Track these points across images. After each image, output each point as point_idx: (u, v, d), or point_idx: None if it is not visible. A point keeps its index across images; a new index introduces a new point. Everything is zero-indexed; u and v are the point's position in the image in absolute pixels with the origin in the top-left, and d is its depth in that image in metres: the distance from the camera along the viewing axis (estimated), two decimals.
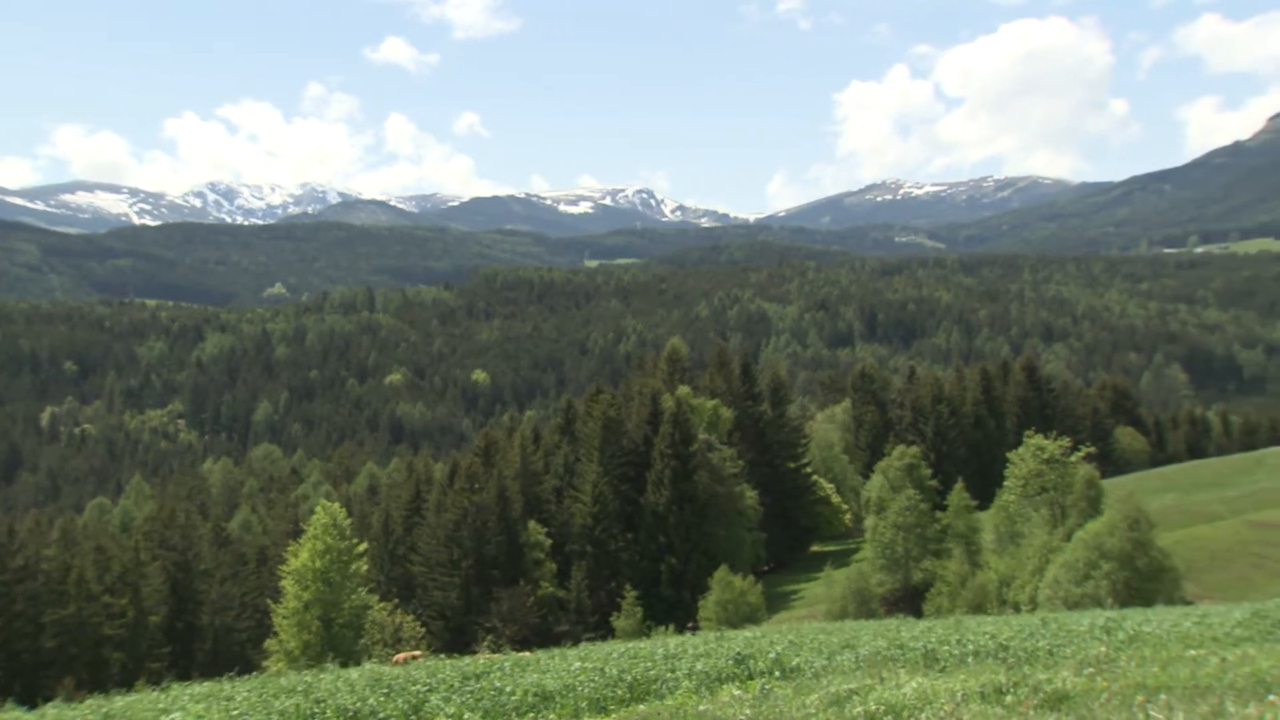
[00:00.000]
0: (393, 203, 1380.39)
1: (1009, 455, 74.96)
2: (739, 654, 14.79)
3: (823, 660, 14.61)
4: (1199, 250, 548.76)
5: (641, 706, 12.10)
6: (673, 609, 78.24)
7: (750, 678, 13.45)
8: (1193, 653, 11.88)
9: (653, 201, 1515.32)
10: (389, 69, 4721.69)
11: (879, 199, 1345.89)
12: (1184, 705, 7.81)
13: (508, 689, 13.23)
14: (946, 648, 14.64)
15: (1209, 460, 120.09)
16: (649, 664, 14.83)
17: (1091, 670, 10.78)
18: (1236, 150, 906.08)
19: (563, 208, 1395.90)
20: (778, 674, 13.69)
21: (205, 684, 18.23)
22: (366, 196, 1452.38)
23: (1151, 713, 7.59)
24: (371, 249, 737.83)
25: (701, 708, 10.99)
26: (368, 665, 19.45)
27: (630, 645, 19.38)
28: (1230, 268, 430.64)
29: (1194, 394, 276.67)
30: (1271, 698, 8.09)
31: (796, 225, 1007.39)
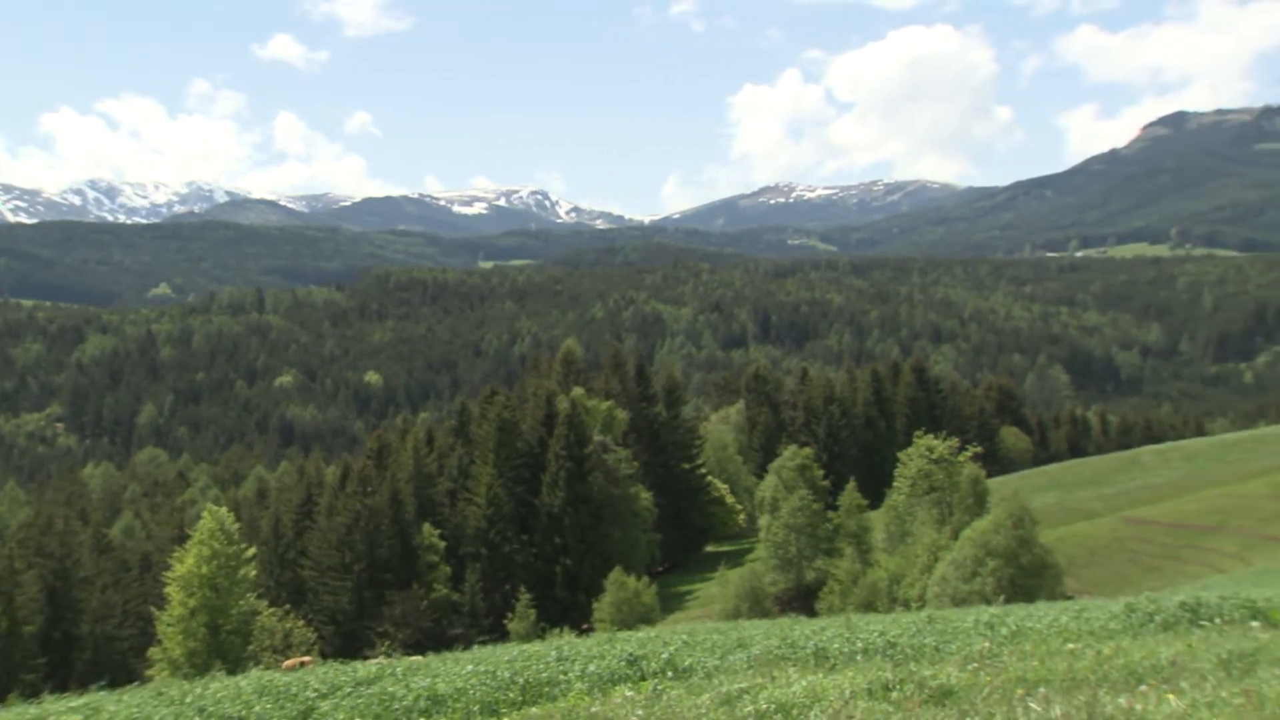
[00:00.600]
0: (283, 202, 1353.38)
1: (899, 455, 76.34)
2: (632, 655, 14.80)
3: (715, 660, 14.70)
4: (1079, 254, 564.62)
5: (533, 709, 12.06)
6: (567, 610, 78.13)
7: (643, 678, 13.47)
8: (1070, 646, 12.21)
9: (547, 203, 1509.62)
10: (277, 66, 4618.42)
11: (772, 201, 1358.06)
12: (1061, 697, 8.02)
13: (399, 694, 13.07)
14: (837, 646, 14.83)
15: (1089, 459, 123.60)
16: (542, 666, 14.76)
17: (975, 665, 11.01)
18: (1113, 158, 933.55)
19: (457, 208, 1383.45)
20: (670, 674, 13.73)
21: (82, 695, 17.70)
22: (255, 196, 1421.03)
23: (1030, 705, 7.79)
24: (261, 249, 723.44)
25: (593, 709, 10.98)
26: (256, 672, 19.07)
27: (524, 647, 19.28)
28: (1108, 271, 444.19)
29: (1075, 394, 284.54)
30: (1143, 688, 8.36)
31: (691, 227, 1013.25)
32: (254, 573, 63.87)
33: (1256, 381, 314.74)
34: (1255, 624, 12.99)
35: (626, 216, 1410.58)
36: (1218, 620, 13.75)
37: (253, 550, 64.95)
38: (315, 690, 14.36)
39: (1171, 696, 7.64)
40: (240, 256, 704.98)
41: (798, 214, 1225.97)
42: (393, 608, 73.88)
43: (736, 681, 11.68)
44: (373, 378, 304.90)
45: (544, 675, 13.98)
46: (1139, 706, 7.31)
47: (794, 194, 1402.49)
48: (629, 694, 12.00)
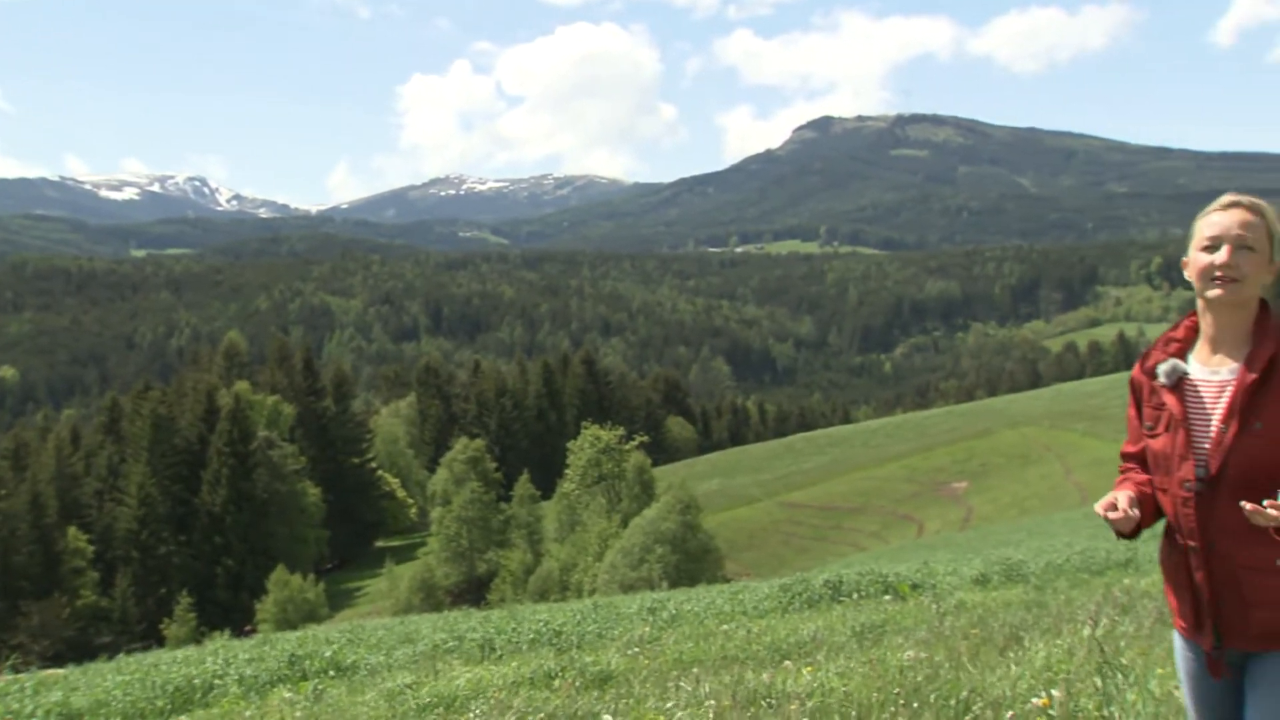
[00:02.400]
0: None
1: (569, 445, 77.71)
2: (293, 655, 14.28)
3: (380, 656, 14.44)
4: (739, 250, 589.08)
5: (184, 717, 11.45)
6: (230, 613, 74.97)
7: (304, 679, 13.05)
8: (725, 627, 12.74)
9: (206, 189, 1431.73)
10: None
11: (443, 193, 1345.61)
12: (711, 676, 8.37)
13: (26, 710, 12.00)
14: (504, 637, 14.85)
15: (748, 447, 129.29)
16: (194, 671, 13.97)
17: (636, 650, 11.29)
18: (769, 158, 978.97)
19: (104, 193, 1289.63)
20: (333, 673, 13.36)
21: None
22: None
23: (682, 685, 8.07)
24: None
25: (249, 713, 10.57)
26: None
27: (177, 653, 18.29)
28: (765, 267, 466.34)
29: (735, 385, 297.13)
30: (787, 663, 8.83)
31: (360, 218, 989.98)
32: None
33: (894, 371, 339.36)
34: (887, 597, 13.98)
35: (292, 206, 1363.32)
36: (855, 595, 14.70)
37: None
38: None
39: (808, 669, 8.11)
40: None
41: (469, 206, 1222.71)
42: (29, 618, 68.63)
43: (401, 677, 11.53)
44: (7, 372, 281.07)
45: (196, 681, 13.23)
46: (779, 680, 7.72)
47: (465, 186, 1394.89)
48: (288, 695, 11.62)
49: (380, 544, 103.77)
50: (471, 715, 8.24)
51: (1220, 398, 3.62)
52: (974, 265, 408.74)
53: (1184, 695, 3.93)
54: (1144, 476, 3.88)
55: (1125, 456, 4.02)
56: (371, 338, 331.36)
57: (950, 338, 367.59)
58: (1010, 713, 6.00)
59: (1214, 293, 3.60)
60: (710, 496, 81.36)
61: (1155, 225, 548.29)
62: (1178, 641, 3.91)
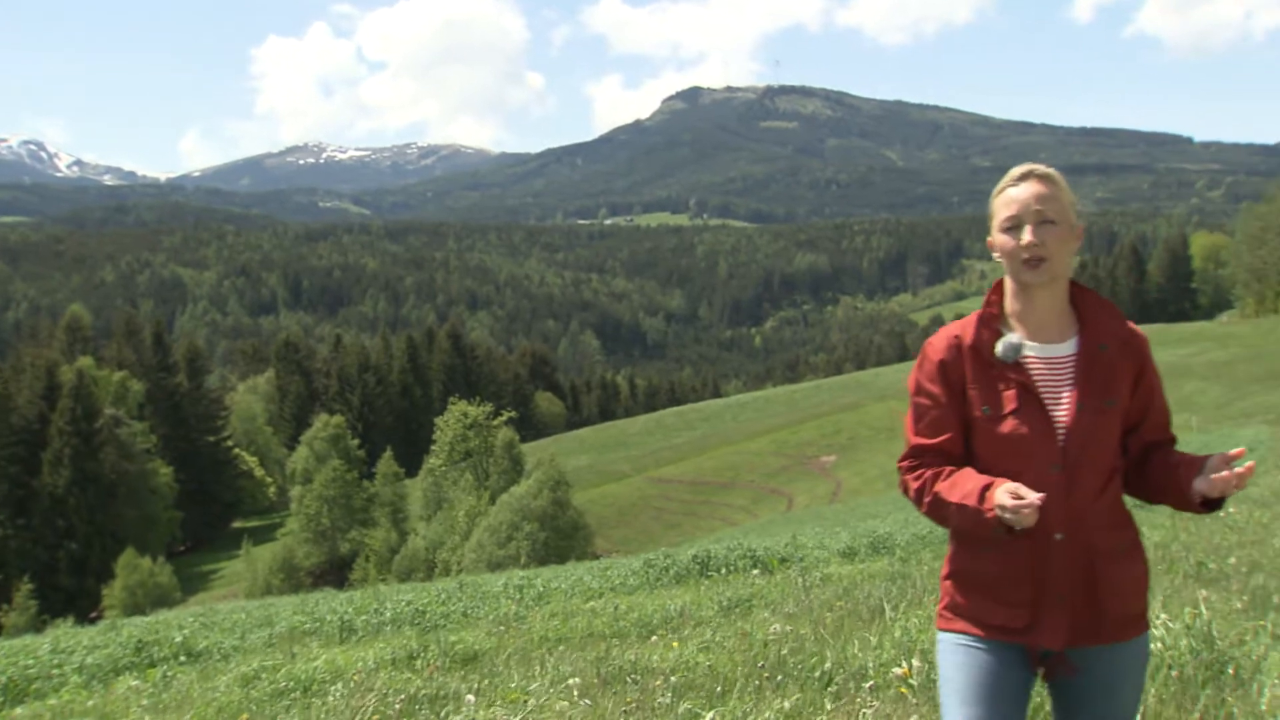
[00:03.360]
0: None
1: (436, 421, 76.92)
2: (140, 641, 13.72)
3: (235, 640, 13.98)
4: (608, 222, 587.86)
5: (19, 710, 10.86)
6: (74, 599, 72.43)
7: (152, 665, 12.54)
8: (592, 604, 12.66)
9: (44, 154, 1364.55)
10: None
11: (301, 162, 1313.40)
12: (576, 653, 8.28)
13: None
14: (364, 618, 14.51)
15: (618, 422, 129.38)
16: (30, 661, 13.29)
17: (502, 629, 11.16)
18: (638, 129, 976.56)
19: None
20: (183, 659, 12.87)
21: None
22: None
23: (547, 662, 7.98)
24: None
25: (91, 703, 10.09)
26: None
27: (13, 642, 17.46)
28: (634, 239, 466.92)
29: (605, 359, 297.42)
30: (653, 639, 8.78)
31: (213, 186, 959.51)
32: None
33: (764, 345, 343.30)
34: (755, 571, 14.05)
35: (140, 173, 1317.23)
36: (724, 570, 14.74)
37: None
38: None
39: (674, 644, 8.06)
40: None
41: (329, 175, 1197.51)
42: None
43: (255, 661, 11.17)
44: None
45: (33, 671, 12.57)
46: (645, 656, 7.66)
47: (325, 154, 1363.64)
48: (134, 684, 11.14)
49: (238, 524, 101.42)
50: (331, 698, 7.97)
51: (1062, 375, 3.35)
52: (842, 238, 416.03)
53: (958, 706, 3.29)
54: (971, 471, 3.33)
55: (921, 451, 3.44)
56: (227, 311, 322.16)
57: (819, 311, 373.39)
58: (870, 682, 6.02)
59: (1028, 276, 3.36)
60: (580, 472, 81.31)
61: None
62: (960, 647, 3.37)
